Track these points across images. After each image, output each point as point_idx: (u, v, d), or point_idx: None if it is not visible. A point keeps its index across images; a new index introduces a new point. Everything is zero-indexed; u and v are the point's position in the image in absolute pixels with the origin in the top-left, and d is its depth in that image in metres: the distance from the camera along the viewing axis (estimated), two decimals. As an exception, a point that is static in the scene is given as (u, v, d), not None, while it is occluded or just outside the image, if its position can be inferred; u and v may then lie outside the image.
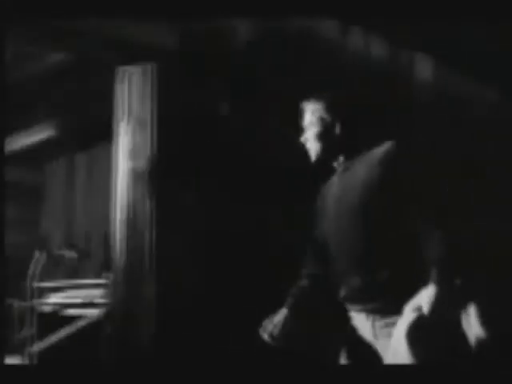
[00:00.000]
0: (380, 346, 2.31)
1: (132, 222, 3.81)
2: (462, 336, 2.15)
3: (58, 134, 5.94)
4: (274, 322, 2.50)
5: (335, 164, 2.61)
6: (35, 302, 5.09)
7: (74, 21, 3.52)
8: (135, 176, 3.84)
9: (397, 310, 2.22)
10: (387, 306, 2.29)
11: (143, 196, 3.81)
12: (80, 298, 4.82)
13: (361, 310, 2.40)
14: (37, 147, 6.21)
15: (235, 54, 4.24)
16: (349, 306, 2.47)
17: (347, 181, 2.51)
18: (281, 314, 2.53)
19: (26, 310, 5.15)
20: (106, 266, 4.70)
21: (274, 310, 2.55)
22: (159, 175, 3.80)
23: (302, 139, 2.63)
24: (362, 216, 2.38)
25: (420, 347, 2.10)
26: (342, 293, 2.45)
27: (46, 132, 6.00)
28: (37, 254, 5.29)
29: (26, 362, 4.75)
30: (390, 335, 2.23)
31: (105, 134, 4.73)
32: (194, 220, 3.83)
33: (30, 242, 6.15)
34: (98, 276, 4.83)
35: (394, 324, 2.23)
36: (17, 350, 5.02)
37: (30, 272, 5.16)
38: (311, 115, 2.60)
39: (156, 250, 3.66)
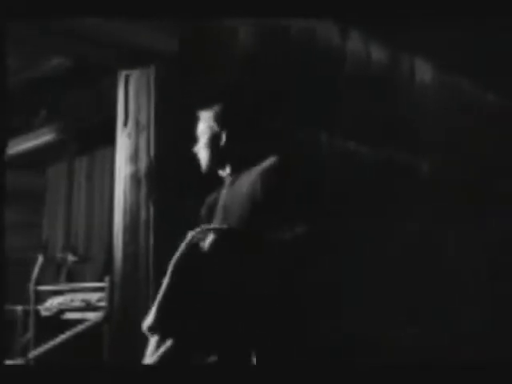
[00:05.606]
0: None
1: (132, 227, 3.80)
2: None
3: (59, 137, 5.95)
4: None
5: (224, 175, 2.59)
6: (37, 305, 5.08)
7: (75, 22, 3.51)
8: (135, 180, 3.84)
9: None
10: None
11: (143, 200, 3.80)
12: (80, 302, 4.81)
13: None
14: (39, 151, 6.22)
15: (235, 56, 4.24)
16: None
17: (233, 194, 2.49)
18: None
19: (28, 314, 5.15)
20: (106, 269, 4.69)
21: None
22: (159, 180, 3.79)
23: (195, 148, 2.62)
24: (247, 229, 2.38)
25: None
26: None
27: (48, 135, 6.00)
28: (40, 257, 5.29)
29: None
30: None
31: (106, 138, 4.74)
32: (192, 225, 3.82)
33: (34, 245, 6.16)
34: (99, 280, 4.82)
35: None
36: (19, 354, 5.02)
37: (33, 276, 5.15)
38: (203, 124, 2.59)
39: (154, 255, 3.65)
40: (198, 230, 2.30)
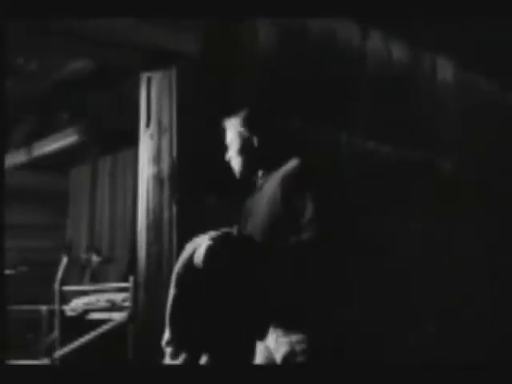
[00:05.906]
0: None
1: (155, 227, 3.82)
2: None
3: (82, 139, 6.00)
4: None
5: (255, 178, 2.59)
6: (61, 306, 5.14)
7: (98, 24, 3.53)
8: (158, 181, 3.86)
9: None
10: None
11: (166, 201, 3.82)
12: (105, 302, 4.85)
13: None
14: (63, 152, 6.27)
15: (257, 57, 4.25)
16: None
17: (260, 197, 2.49)
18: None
19: (53, 314, 5.20)
20: (130, 269, 4.73)
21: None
22: (182, 180, 3.80)
23: (227, 157, 2.61)
24: (269, 234, 2.37)
25: None
26: None
27: (71, 137, 6.05)
28: (64, 258, 5.34)
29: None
30: None
31: (128, 139, 4.77)
32: (216, 225, 3.83)
33: (58, 246, 6.22)
34: (123, 280, 4.86)
35: None
36: (44, 353, 5.08)
37: (57, 276, 5.21)
38: (231, 132, 2.58)
39: (178, 255, 3.66)
40: (193, 239, 2.32)
